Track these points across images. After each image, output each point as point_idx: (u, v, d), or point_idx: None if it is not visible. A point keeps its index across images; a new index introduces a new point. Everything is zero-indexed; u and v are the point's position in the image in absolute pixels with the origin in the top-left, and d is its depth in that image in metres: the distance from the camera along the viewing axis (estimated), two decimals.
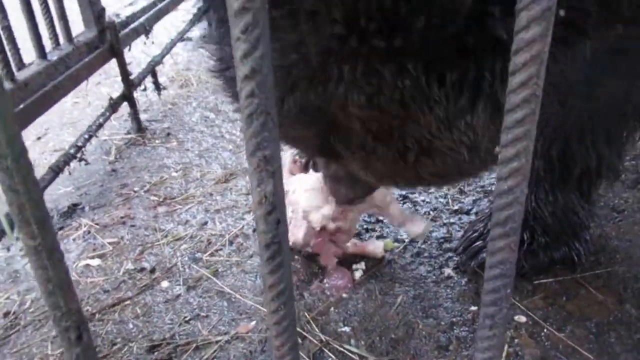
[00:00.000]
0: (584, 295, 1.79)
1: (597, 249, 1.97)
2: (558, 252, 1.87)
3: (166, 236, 2.19)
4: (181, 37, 4.10)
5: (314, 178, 1.89)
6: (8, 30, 1.93)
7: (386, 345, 1.65)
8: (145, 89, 3.39)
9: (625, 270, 1.88)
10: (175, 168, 2.72)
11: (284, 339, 0.68)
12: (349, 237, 1.99)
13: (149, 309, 1.82)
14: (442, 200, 2.34)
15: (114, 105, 2.84)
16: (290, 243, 1.84)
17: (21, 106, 1.93)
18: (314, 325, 1.72)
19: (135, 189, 2.54)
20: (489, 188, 2.37)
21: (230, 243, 2.13)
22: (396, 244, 2.07)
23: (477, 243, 1.94)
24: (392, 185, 1.49)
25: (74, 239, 2.19)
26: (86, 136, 2.53)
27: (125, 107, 3.06)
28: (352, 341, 1.66)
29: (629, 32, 0.91)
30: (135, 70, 3.32)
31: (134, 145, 2.98)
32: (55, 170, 2.22)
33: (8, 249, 2.11)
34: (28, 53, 2.16)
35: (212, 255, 2.07)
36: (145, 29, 3.16)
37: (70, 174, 2.57)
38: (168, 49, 3.71)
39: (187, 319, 1.78)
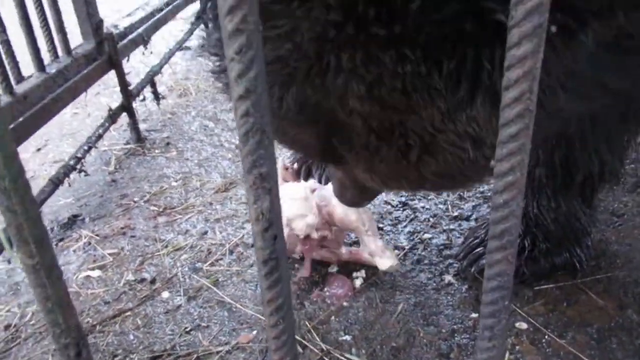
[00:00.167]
0: (585, 301, 1.79)
1: (597, 254, 1.97)
2: (559, 258, 1.87)
3: (166, 246, 2.19)
4: (179, 46, 4.12)
5: (300, 187, 1.91)
6: (7, 44, 1.94)
7: (387, 353, 1.65)
8: (144, 99, 3.40)
9: (625, 275, 1.88)
10: (174, 177, 2.72)
11: (283, 352, 0.69)
12: (339, 243, 2.00)
13: (150, 319, 1.82)
14: (441, 206, 2.35)
15: (113, 116, 2.85)
16: None
17: (20, 119, 1.93)
18: (314, 335, 1.72)
19: (135, 199, 2.54)
20: (489, 194, 2.37)
21: (231, 252, 2.13)
22: (396, 252, 2.07)
23: (478, 249, 1.94)
24: (396, 189, 1.47)
25: (74, 250, 2.20)
26: (86, 147, 2.54)
27: (124, 117, 3.07)
28: (353, 350, 1.66)
29: (630, 21, 0.87)
30: (134, 80, 3.34)
31: (134, 155, 2.98)
32: (55, 182, 2.22)
33: (9, 262, 2.12)
34: (27, 66, 2.17)
35: (212, 265, 2.07)
36: (144, 40, 3.17)
37: (70, 185, 2.58)
38: (166, 59, 3.72)
39: (187, 329, 1.77)
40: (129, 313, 1.85)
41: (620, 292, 1.81)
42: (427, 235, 2.17)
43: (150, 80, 3.35)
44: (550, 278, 1.88)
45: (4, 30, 1.93)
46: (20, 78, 2.08)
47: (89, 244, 2.23)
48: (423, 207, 2.35)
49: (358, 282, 1.93)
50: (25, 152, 3.03)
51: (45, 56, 2.31)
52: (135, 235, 2.27)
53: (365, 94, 0.94)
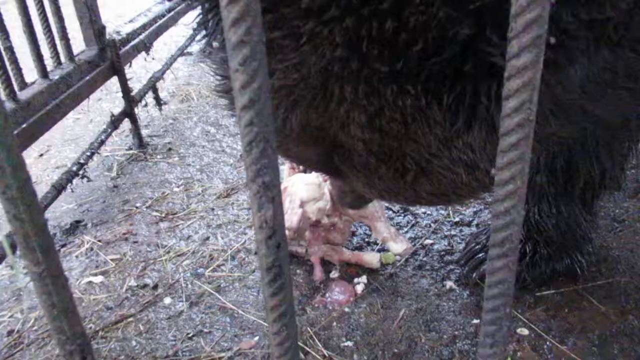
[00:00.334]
0: (586, 307, 1.79)
1: (598, 260, 1.97)
2: (560, 264, 1.87)
3: (168, 252, 2.19)
4: (181, 52, 4.14)
5: (313, 175, 1.98)
6: (10, 50, 1.95)
7: (389, 359, 1.65)
8: (146, 105, 3.41)
9: (627, 281, 1.88)
10: (176, 183, 2.73)
11: (286, 359, 0.69)
12: (343, 238, 2.04)
13: (152, 325, 1.83)
14: (442, 212, 2.35)
15: (115, 122, 2.86)
16: None
17: (24, 125, 1.94)
18: (316, 340, 1.72)
19: (137, 204, 2.55)
20: (490, 199, 2.37)
21: (233, 258, 2.14)
22: (397, 257, 2.08)
23: (479, 255, 1.94)
24: (393, 202, 1.52)
25: (76, 256, 2.20)
26: (88, 153, 2.55)
27: (126, 123, 3.08)
28: (355, 356, 1.66)
29: (616, 55, 0.92)
30: (136, 85, 3.35)
31: (136, 161, 2.99)
32: (58, 189, 2.23)
33: (11, 267, 2.12)
34: (30, 71, 2.19)
35: (214, 270, 2.07)
36: (146, 46, 3.19)
37: (72, 190, 2.58)
38: (168, 65, 3.74)
39: (190, 335, 1.78)
40: (131, 319, 1.86)
41: (622, 298, 1.82)
42: (428, 241, 2.17)
43: (152, 86, 3.37)
44: (551, 284, 1.88)
45: (8, 37, 1.94)
46: (23, 85, 2.09)
47: (92, 249, 2.24)
48: (424, 213, 2.35)
49: (360, 288, 1.94)
50: (28, 157, 3.05)
51: (48, 62, 2.33)
52: (137, 241, 2.28)
53: (366, 123, 0.99)
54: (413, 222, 2.30)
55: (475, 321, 1.76)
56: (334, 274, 2.00)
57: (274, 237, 0.60)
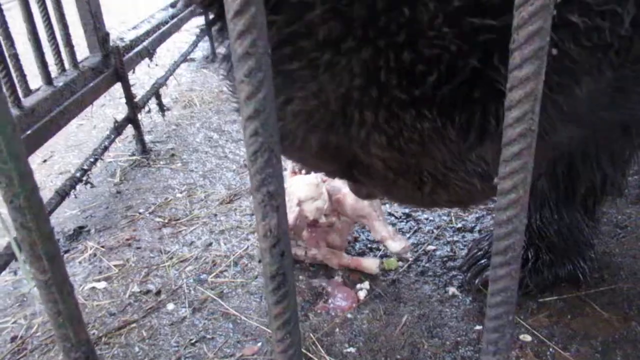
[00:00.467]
0: (589, 313, 1.79)
1: (601, 266, 1.97)
2: (563, 270, 1.87)
3: (171, 258, 2.20)
4: (184, 58, 4.16)
5: (312, 175, 2.00)
6: (15, 58, 1.97)
7: None
8: (149, 111, 3.43)
9: (630, 287, 1.88)
10: (179, 189, 2.74)
11: None
12: (342, 240, 2.06)
13: (155, 331, 1.83)
14: (445, 218, 2.35)
15: (118, 128, 2.87)
16: None
17: (28, 132, 1.95)
18: (319, 347, 1.72)
19: (141, 210, 2.56)
20: (492, 205, 2.37)
21: (235, 264, 2.14)
22: (400, 263, 2.08)
23: (482, 261, 1.94)
24: (412, 207, 1.59)
25: (79, 262, 2.21)
26: (92, 159, 2.56)
27: (129, 129, 3.10)
28: None
29: (619, 75, 0.96)
30: (139, 91, 3.36)
31: (139, 166, 3.01)
32: (62, 195, 2.24)
33: (15, 273, 2.13)
34: (34, 77, 2.20)
35: (217, 276, 2.08)
36: (149, 52, 3.20)
37: (75, 196, 2.59)
38: (171, 71, 3.75)
39: (192, 341, 1.78)
40: (134, 325, 1.86)
41: (625, 304, 1.81)
42: (431, 247, 2.17)
43: (155, 92, 3.38)
44: (554, 290, 1.88)
45: (13, 45, 1.95)
46: (27, 91, 2.10)
47: (95, 255, 2.24)
48: (426, 219, 2.35)
49: (362, 294, 1.94)
50: (32, 163, 3.03)
51: (52, 69, 2.34)
52: (140, 247, 2.29)
53: (385, 144, 1.03)
54: (415, 228, 2.30)
55: (478, 327, 1.76)
56: (338, 279, 2.00)
57: (278, 245, 0.60)
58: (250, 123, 0.53)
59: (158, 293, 2.00)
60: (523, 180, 0.57)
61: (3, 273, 1.88)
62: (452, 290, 1.94)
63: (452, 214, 2.36)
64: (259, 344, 1.76)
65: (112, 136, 2.81)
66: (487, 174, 1.09)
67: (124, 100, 3.03)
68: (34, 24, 2.12)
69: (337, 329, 1.80)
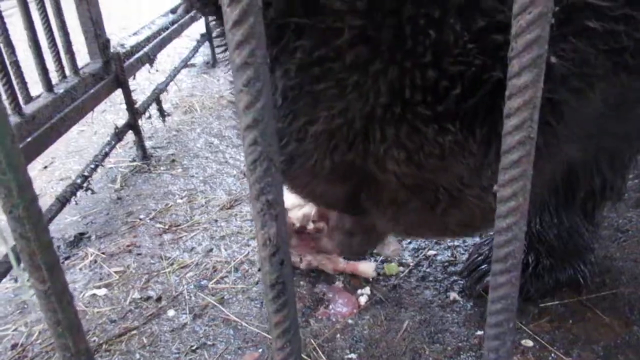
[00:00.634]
0: (591, 318, 1.78)
1: (602, 271, 1.97)
2: (563, 274, 1.87)
3: (172, 264, 2.20)
4: (185, 64, 4.17)
5: None
6: (16, 65, 1.97)
7: None
8: (150, 117, 3.43)
9: (631, 292, 1.88)
10: (180, 195, 2.74)
11: None
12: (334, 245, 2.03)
13: (156, 338, 1.83)
14: None
15: (119, 134, 2.87)
16: None
17: (29, 139, 1.96)
18: (320, 353, 1.72)
19: (141, 216, 2.56)
20: None
21: (236, 270, 2.14)
22: (401, 268, 2.08)
23: (482, 266, 1.94)
24: (416, 237, 1.56)
25: (80, 269, 2.21)
26: (92, 166, 2.56)
27: (130, 135, 3.10)
28: None
29: (634, 80, 0.99)
30: (139, 97, 3.37)
31: (139, 172, 3.01)
32: (62, 201, 2.24)
33: (15, 280, 2.13)
34: (35, 84, 2.20)
35: (217, 282, 2.08)
36: (150, 58, 3.21)
37: (76, 203, 2.59)
38: (172, 77, 3.76)
39: (193, 348, 1.78)
40: (135, 332, 1.86)
41: (626, 309, 1.81)
42: (431, 252, 2.17)
43: (155, 97, 3.39)
44: (555, 295, 1.88)
45: (14, 52, 1.96)
46: (28, 98, 2.11)
47: (95, 262, 2.24)
48: None
49: (363, 299, 1.93)
50: (32, 170, 3.06)
51: (53, 76, 2.35)
52: (141, 253, 2.28)
53: (404, 159, 1.04)
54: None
55: (479, 333, 1.75)
56: (338, 284, 2.00)
57: (277, 254, 0.60)
58: (249, 132, 0.53)
59: (159, 299, 2.00)
60: (522, 188, 0.57)
61: (3, 280, 1.87)
62: (453, 295, 1.93)
63: None
64: (260, 350, 1.75)
65: (113, 142, 2.81)
66: None
67: (124, 106, 3.04)
68: (34, 31, 2.13)
69: (338, 335, 1.79)
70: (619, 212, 2.28)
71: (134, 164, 3.09)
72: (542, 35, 0.48)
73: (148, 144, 3.28)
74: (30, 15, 2.12)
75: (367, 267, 2.00)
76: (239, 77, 0.50)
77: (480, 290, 1.89)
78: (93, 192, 2.67)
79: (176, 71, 3.90)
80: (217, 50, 4.94)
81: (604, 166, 1.61)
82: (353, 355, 1.71)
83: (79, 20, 2.66)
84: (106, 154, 2.73)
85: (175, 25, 3.78)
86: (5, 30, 1.92)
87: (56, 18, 2.39)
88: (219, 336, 1.82)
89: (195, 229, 2.43)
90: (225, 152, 3.20)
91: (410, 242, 2.23)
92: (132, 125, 3.01)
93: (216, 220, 2.49)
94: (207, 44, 4.75)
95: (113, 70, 2.76)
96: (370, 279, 2.01)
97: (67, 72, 2.47)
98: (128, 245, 2.33)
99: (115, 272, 2.16)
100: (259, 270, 2.09)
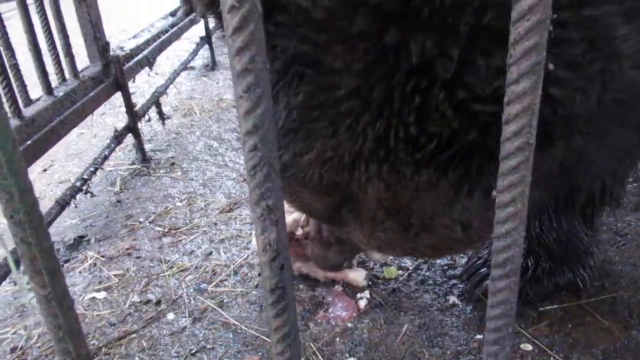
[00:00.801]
0: (590, 322, 1.79)
1: (601, 274, 1.97)
2: (562, 278, 1.87)
3: (171, 267, 2.20)
4: (184, 66, 4.17)
5: None
6: (15, 68, 1.97)
7: None
8: (149, 120, 3.43)
9: (630, 296, 1.88)
10: (179, 198, 2.74)
11: None
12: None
13: (155, 341, 1.83)
14: None
15: (118, 137, 2.88)
16: None
17: (28, 142, 1.96)
18: (319, 357, 1.72)
19: (141, 219, 2.56)
20: None
21: (235, 273, 2.14)
22: (400, 272, 2.08)
23: (481, 270, 1.94)
24: (387, 253, 1.64)
25: (79, 272, 2.21)
26: (92, 169, 2.56)
27: (129, 138, 3.10)
28: None
29: (589, 140, 1.12)
30: (139, 99, 3.37)
31: (139, 175, 3.01)
32: (62, 204, 2.24)
33: (15, 283, 2.13)
34: (35, 87, 2.20)
35: (217, 285, 2.08)
36: (149, 61, 3.21)
37: (75, 206, 2.59)
38: (171, 79, 3.76)
39: (193, 351, 1.78)
40: (134, 335, 1.86)
41: (626, 313, 1.81)
42: None
43: (155, 100, 3.39)
44: (554, 299, 1.88)
45: (13, 55, 1.96)
46: (28, 101, 2.11)
47: (95, 265, 2.24)
48: None
49: (362, 303, 1.93)
50: (31, 172, 3.06)
51: (53, 79, 2.35)
52: (140, 256, 2.28)
53: (384, 188, 1.16)
54: None
55: (479, 336, 1.75)
56: (338, 288, 2.00)
57: (277, 259, 0.60)
58: (249, 138, 0.53)
59: (158, 303, 2.00)
60: (521, 194, 0.58)
61: (3, 283, 1.87)
62: (452, 299, 1.93)
63: None
64: (259, 354, 1.75)
65: (113, 145, 2.81)
66: (469, 223, 1.21)
67: (124, 109, 3.04)
68: (34, 34, 2.13)
69: (338, 339, 1.79)
70: (618, 215, 2.28)
71: (134, 167, 3.09)
72: (540, 43, 0.49)
73: (147, 146, 3.29)
74: (30, 18, 2.12)
75: (356, 276, 1.99)
76: (239, 83, 0.50)
77: (480, 294, 1.89)
78: (92, 195, 2.67)
79: (176, 74, 3.90)
80: (217, 52, 4.97)
81: (603, 171, 1.62)
82: (352, 359, 1.71)
83: (78, 23, 2.67)
84: (106, 157, 2.73)
85: (175, 28, 3.79)
86: (5, 33, 1.93)
87: (56, 21, 2.40)
88: (218, 340, 1.82)
89: (195, 232, 2.43)
90: (225, 155, 3.20)
91: None
92: (132, 128, 3.02)
93: (215, 224, 2.49)
94: (206, 46, 4.76)
95: (113, 73, 2.77)
96: (362, 287, 2.00)
97: (67, 75, 2.47)
98: (127, 249, 2.33)
99: (115, 276, 2.16)
100: (259, 274, 2.10)
